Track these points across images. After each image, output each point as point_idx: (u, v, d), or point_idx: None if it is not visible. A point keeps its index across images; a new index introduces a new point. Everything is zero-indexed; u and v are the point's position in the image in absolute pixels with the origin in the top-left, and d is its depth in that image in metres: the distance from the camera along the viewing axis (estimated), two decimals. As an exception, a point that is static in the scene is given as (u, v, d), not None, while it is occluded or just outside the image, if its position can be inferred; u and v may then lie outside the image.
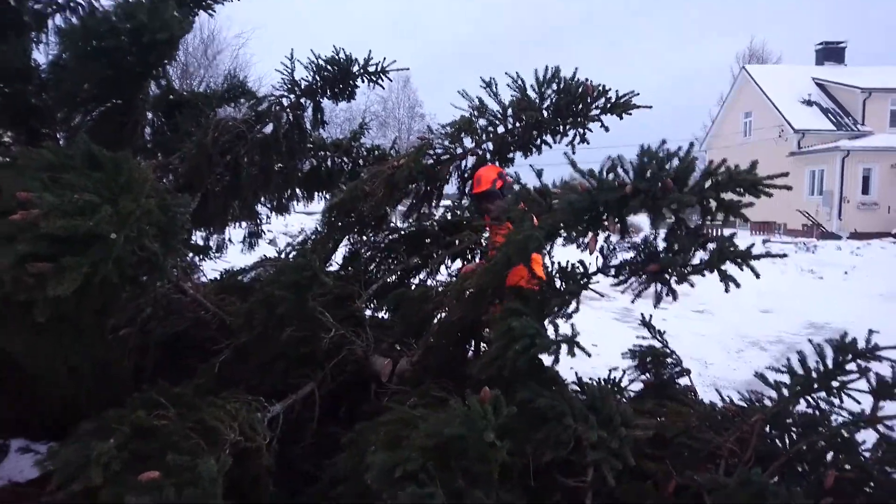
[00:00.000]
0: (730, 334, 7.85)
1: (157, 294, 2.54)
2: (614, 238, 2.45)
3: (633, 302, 2.37)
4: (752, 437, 2.25)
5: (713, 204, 2.00)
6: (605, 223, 2.12)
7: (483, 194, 3.54)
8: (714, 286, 2.16)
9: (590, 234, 2.20)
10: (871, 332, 2.37)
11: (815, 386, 2.27)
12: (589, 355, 2.10)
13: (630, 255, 2.44)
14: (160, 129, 4.46)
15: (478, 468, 1.53)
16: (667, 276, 2.25)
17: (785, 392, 2.29)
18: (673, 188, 1.91)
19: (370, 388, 2.94)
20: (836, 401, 2.29)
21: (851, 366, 2.27)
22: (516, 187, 2.53)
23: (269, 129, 4.05)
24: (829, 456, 2.17)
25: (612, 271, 2.44)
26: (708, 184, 1.97)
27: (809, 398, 2.34)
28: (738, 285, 2.05)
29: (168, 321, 2.80)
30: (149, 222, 1.69)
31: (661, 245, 2.32)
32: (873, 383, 2.23)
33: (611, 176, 2.09)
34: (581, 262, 2.49)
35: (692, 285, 2.24)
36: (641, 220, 2.47)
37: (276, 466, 2.09)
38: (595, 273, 2.46)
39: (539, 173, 2.66)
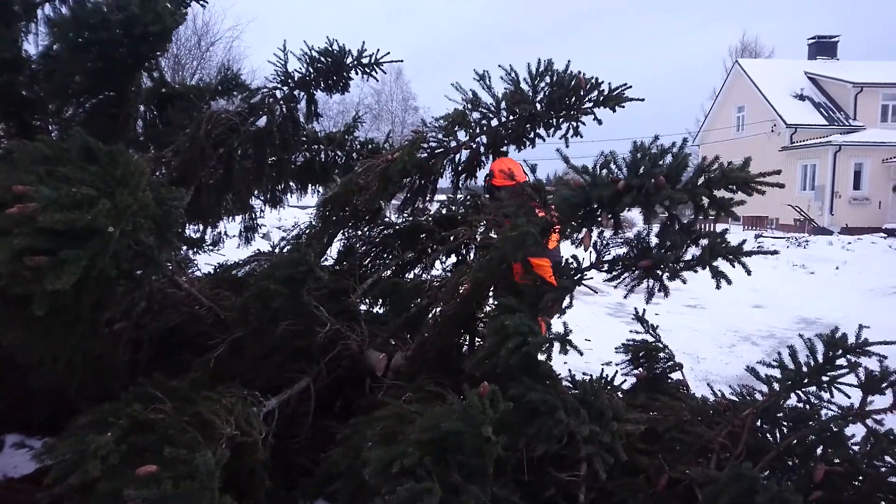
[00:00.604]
0: (722, 329, 7.90)
1: (151, 288, 2.53)
2: (608, 233, 2.46)
3: (625, 297, 2.38)
4: (743, 431, 2.28)
5: (705, 201, 2.02)
6: (599, 219, 2.13)
7: (490, 187, 3.63)
8: (707, 281, 2.18)
9: (584, 230, 2.21)
10: (860, 327, 2.40)
11: (806, 381, 2.31)
12: (581, 353, 2.12)
13: (623, 250, 2.45)
14: (153, 122, 4.43)
15: (474, 462, 1.54)
16: (659, 273, 2.27)
17: (776, 386, 2.32)
18: (665, 185, 1.91)
19: (365, 382, 2.95)
20: (826, 395, 2.32)
21: (841, 361, 2.31)
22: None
23: (262, 121, 4.03)
24: (819, 450, 2.21)
25: (606, 267, 2.46)
26: (701, 181, 1.98)
27: (800, 393, 2.38)
28: (729, 282, 2.07)
29: (162, 315, 2.79)
30: (145, 216, 1.69)
31: (654, 241, 2.34)
32: (863, 378, 2.27)
33: (604, 172, 2.10)
34: (574, 256, 2.50)
35: (684, 281, 2.26)
36: (635, 215, 2.49)
37: (271, 460, 2.10)
38: (588, 268, 2.48)
39: (533, 168, 2.67)
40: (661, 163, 1.97)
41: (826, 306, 9.53)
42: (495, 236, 3.20)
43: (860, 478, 2.12)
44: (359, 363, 2.95)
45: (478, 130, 3.76)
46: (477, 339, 3.05)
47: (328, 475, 2.02)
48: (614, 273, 2.41)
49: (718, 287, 2.07)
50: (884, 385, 2.26)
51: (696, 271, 2.22)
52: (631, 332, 3.22)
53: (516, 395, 1.88)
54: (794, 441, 2.22)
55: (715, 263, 2.09)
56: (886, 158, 23.37)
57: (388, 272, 3.97)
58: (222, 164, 3.94)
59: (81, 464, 1.41)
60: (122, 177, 1.62)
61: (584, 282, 2.51)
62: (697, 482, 1.86)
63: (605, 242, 2.51)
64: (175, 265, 2.84)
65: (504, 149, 3.91)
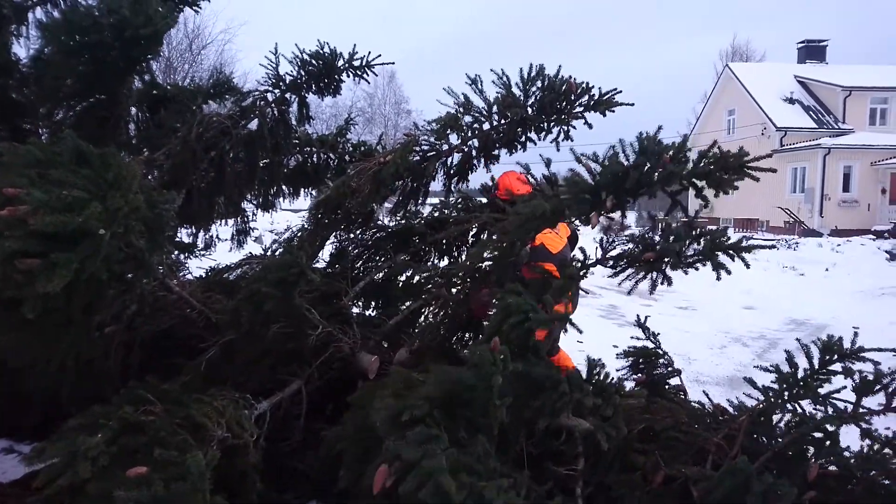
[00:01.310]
0: (713, 331, 7.95)
1: (142, 291, 2.52)
2: (614, 230, 2.53)
3: (629, 293, 2.43)
4: (740, 433, 2.30)
5: (703, 183, 2.11)
6: (606, 203, 2.20)
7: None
8: (699, 284, 2.23)
9: (592, 213, 2.27)
10: (856, 332, 2.44)
11: (801, 386, 2.33)
12: (581, 332, 2.16)
13: (627, 247, 2.51)
14: (145, 125, 4.41)
15: (481, 421, 1.56)
16: (662, 265, 2.33)
17: (772, 390, 2.35)
18: (670, 162, 2.02)
19: (357, 385, 2.95)
20: (821, 399, 2.35)
21: (836, 366, 2.34)
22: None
23: (253, 124, 4.03)
24: (813, 454, 2.23)
25: (610, 262, 2.51)
26: (702, 163, 2.08)
27: (794, 393, 2.40)
28: (729, 273, 2.15)
29: (154, 319, 2.78)
30: (136, 219, 1.69)
31: (657, 239, 2.40)
32: (857, 381, 2.29)
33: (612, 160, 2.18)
34: (582, 248, 2.56)
35: (686, 272, 2.31)
36: (631, 221, 2.55)
37: (263, 463, 2.10)
38: (594, 264, 2.53)
39: (548, 163, 2.72)
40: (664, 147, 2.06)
41: (816, 308, 9.60)
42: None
43: (854, 482, 2.14)
44: (350, 365, 2.95)
45: (469, 134, 3.78)
46: (481, 335, 3.07)
47: (337, 438, 2.03)
48: (618, 268, 2.46)
49: (719, 278, 2.15)
50: (877, 387, 2.28)
51: (696, 268, 2.29)
52: (632, 338, 3.24)
53: (521, 372, 1.88)
54: (790, 442, 2.24)
55: (716, 256, 2.17)
56: (875, 161, 23.60)
57: (381, 275, 3.97)
58: (214, 167, 3.93)
59: (72, 465, 1.41)
60: (113, 180, 1.62)
61: (582, 283, 2.55)
62: (693, 479, 1.88)
63: (610, 240, 2.58)
64: (166, 268, 2.83)
65: (496, 152, 3.93)
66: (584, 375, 2.14)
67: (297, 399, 2.67)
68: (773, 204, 23.86)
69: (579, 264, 2.48)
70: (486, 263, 2.83)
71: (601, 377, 1.95)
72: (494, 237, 2.63)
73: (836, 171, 23.80)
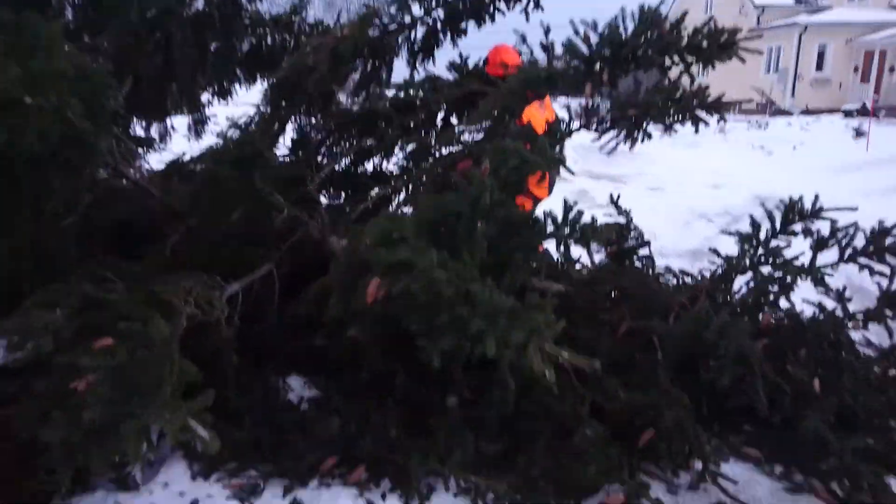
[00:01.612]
0: (680, 209, 8.02)
1: (96, 179, 2.41)
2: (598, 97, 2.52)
3: (609, 154, 2.45)
4: (702, 294, 2.39)
5: (692, 58, 2.16)
6: (601, 75, 2.22)
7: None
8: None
9: (587, 84, 2.28)
10: (816, 197, 2.50)
11: (763, 244, 2.40)
12: (573, 173, 2.19)
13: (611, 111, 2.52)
14: (83, 9, 4.06)
15: (464, 247, 1.60)
16: (644, 122, 2.35)
17: (734, 257, 2.42)
18: (668, 32, 2.06)
19: (329, 270, 2.94)
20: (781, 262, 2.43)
21: (797, 227, 2.41)
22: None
23: (200, 2, 3.75)
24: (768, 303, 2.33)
25: (594, 126, 2.51)
26: (696, 38, 2.11)
27: (755, 257, 2.48)
28: (707, 124, 2.26)
29: (112, 209, 2.69)
30: (68, 90, 1.56)
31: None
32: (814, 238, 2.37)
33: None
34: (567, 106, 2.55)
35: (672, 128, 2.32)
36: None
37: (238, 342, 2.11)
38: (578, 129, 2.51)
39: (547, 30, 2.65)
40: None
41: (782, 185, 9.72)
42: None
43: (804, 331, 2.26)
44: (321, 250, 2.93)
45: (434, 3, 3.56)
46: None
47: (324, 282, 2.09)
48: (602, 131, 2.47)
49: (696, 131, 2.25)
50: (831, 242, 2.36)
51: (675, 130, 2.30)
52: (604, 215, 3.26)
53: (502, 216, 1.89)
54: (748, 297, 2.33)
55: (697, 112, 2.25)
56: (850, 39, 23.19)
57: (347, 161, 3.86)
58: (161, 51, 3.69)
59: (32, 338, 1.39)
60: (32, 42, 1.48)
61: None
62: (657, 331, 1.96)
63: (595, 106, 2.56)
64: (119, 156, 2.70)
65: (463, 24, 3.72)
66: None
67: (269, 282, 2.65)
68: (745, 85, 23.55)
69: (564, 126, 2.46)
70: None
71: (576, 217, 1.99)
72: (487, 105, 2.55)
73: (811, 49, 23.40)
